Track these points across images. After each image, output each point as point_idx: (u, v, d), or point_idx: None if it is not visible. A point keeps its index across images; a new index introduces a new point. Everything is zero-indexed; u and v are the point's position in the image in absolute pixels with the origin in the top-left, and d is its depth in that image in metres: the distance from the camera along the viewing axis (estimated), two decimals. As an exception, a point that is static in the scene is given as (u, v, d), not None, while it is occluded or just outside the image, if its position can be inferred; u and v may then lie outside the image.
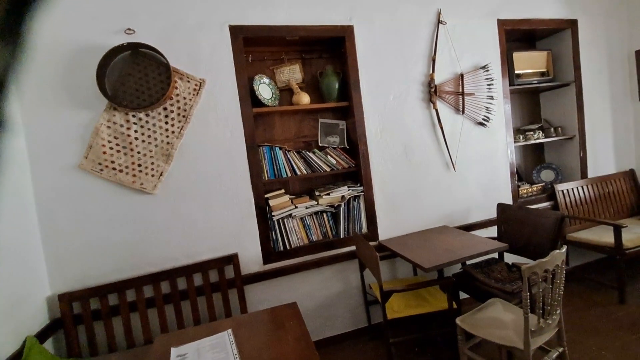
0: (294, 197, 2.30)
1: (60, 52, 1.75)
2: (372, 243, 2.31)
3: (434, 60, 2.48)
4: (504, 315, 1.73)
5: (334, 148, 2.42)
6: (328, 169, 2.33)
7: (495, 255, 2.36)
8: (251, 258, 2.07)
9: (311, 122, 2.48)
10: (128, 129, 1.85)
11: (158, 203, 1.91)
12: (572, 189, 2.88)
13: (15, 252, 1.51)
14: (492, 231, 2.58)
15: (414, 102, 2.45)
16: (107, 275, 1.80)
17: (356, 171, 2.40)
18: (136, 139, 1.86)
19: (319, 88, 2.41)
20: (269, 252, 2.12)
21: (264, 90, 2.25)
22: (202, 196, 1.99)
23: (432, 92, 2.48)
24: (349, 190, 2.34)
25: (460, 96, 2.57)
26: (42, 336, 1.55)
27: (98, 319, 1.74)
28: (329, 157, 2.35)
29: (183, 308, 1.89)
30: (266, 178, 2.18)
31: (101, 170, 1.81)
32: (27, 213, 1.65)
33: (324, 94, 2.39)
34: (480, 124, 2.63)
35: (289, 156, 2.26)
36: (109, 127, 1.82)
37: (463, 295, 2.43)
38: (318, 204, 2.27)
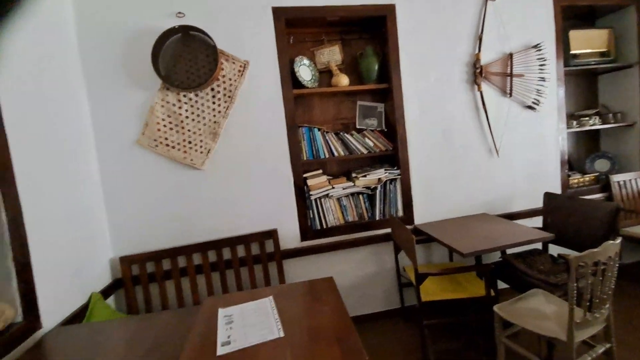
0: (331, 177, 2.30)
1: (120, 35, 1.85)
2: (407, 227, 2.27)
3: (480, 39, 2.32)
4: (546, 307, 1.64)
5: (372, 131, 2.38)
6: (365, 152, 2.29)
7: (539, 246, 2.23)
8: (289, 234, 2.13)
9: (349, 105, 2.44)
10: (179, 107, 1.94)
11: (205, 178, 2.00)
12: (630, 180, 2.61)
13: (84, 219, 1.66)
14: (536, 221, 2.42)
15: (456, 84, 2.33)
16: (161, 243, 1.94)
17: (393, 154, 2.35)
18: (187, 117, 1.95)
19: (358, 69, 2.36)
20: (306, 229, 2.16)
21: (304, 72, 2.24)
22: (245, 174, 2.05)
23: (477, 73, 2.34)
24: (385, 173, 2.30)
25: (508, 77, 2.40)
26: (105, 293, 1.71)
27: (153, 281, 1.89)
28: (366, 139, 2.32)
29: (227, 276, 1.99)
30: (305, 158, 2.20)
31: (156, 146, 1.92)
32: (94, 184, 1.80)
33: (363, 76, 2.34)
34: (529, 107, 2.45)
35: (327, 138, 2.25)
36: (162, 106, 1.92)
37: (501, 285, 2.33)
38: (354, 185, 2.26)
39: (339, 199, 2.27)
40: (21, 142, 1.28)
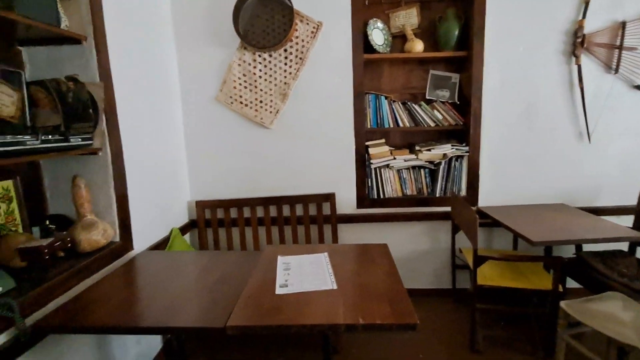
0: (393, 148, 2.22)
1: (205, -6, 1.93)
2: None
3: (587, 4, 1.95)
4: (623, 312, 1.45)
5: (443, 103, 2.21)
6: (432, 124, 2.16)
7: (625, 247, 1.94)
8: (346, 200, 2.14)
9: (420, 74, 2.28)
10: (254, 67, 2.00)
11: (273, 138, 2.08)
12: None
13: (170, 163, 1.85)
14: (626, 221, 2.10)
15: (549, 55, 2.02)
16: (230, 193, 2.10)
17: (463, 130, 2.18)
18: (260, 77, 2.01)
19: (435, 35, 2.16)
20: (363, 197, 2.15)
21: (377, 35, 2.12)
22: (309, 136, 2.08)
23: (577, 43, 2.00)
24: (452, 149, 2.15)
25: (616, 50, 2.01)
26: (182, 230, 1.93)
27: (222, 226, 2.08)
28: (435, 111, 2.17)
29: (285, 232, 2.10)
30: (368, 126, 2.15)
31: (231, 102, 2.03)
32: (178, 134, 1.98)
33: (439, 42, 2.14)
34: (638, 87, 2.05)
35: (393, 107, 2.16)
36: (239, 64, 2.00)
37: (570, 284, 2.11)
38: (417, 158, 2.16)
39: (399, 171, 2.20)
40: (123, 90, 1.44)
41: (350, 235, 2.16)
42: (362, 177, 2.14)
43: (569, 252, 2.03)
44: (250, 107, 2.04)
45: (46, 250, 1.03)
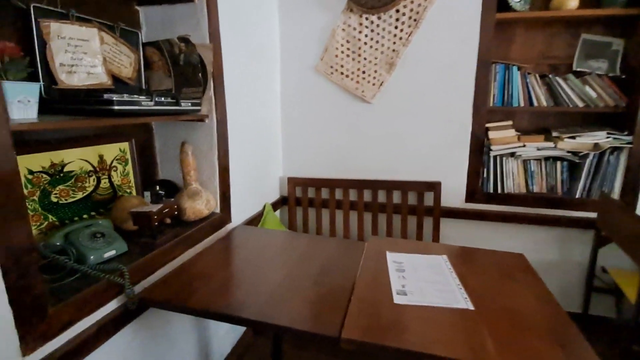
0: (519, 133, 1.79)
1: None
2: (626, 215, 1.62)
3: None
4: None
5: (599, 76, 1.68)
6: (581, 105, 1.66)
7: None
8: (453, 191, 1.82)
9: (567, 38, 1.76)
10: (360, 32, 1.75)
11: (373, 113, 1.84)
12: None
13: (266, 136, 1.77)
14: None
15: None
16: (322, 171, 1.95)
17: (625, 113, 1.63)
18: (365, 44, 1.76)
19: (602, -16, 1.62)
20: (475, 190, 1.80)
21: (517, -11, 1.67)
22: (414, 113, 1.79)
23: None
24: (608, 137, 1.63)
25: None
26: (273, 207, 1.85)
27: (312, 206, 1.96)
28: (587, 87, 1.65)
29: (379, 220, 1.88)
30: (491, 104, 1.75)
31: (331, 73, 1.83)
32: (275, 105, 1.88)
33: (606, -5, 1.60)
34: None
35: (527, 80, 1.71)
36: (343, 29, 1.77)
37: None
38: (555, 147, 1.70)
39: (525, 162, 1.77)
40: (229, 54, 1.34)
41: (455, 233, 1.84)
42: (476, 166, 1.78)
43: None
44: (352, 79, 1.82)
45: (156, 217, 1.00)
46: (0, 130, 0.59)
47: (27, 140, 0.90)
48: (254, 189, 1.66)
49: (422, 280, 0.96)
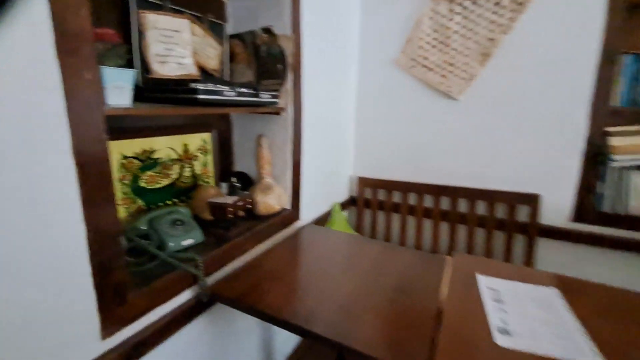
0: (654, 141, 1.41)
1: None
2: None
3: None
4: None
5: None
6: None
7: None
8: (555, 206, 1.51)
9: None
10: (450, 20, 1.55)
11: (458, 112, 1.62)
12: None
13: (338, 131, 1.68)
14: None
15: None
16: (394, 173, 1.79)
17: None
18: (455, 32, 1.55)
19: None
20: (586, 207, 1.47)
21: (668, -42, 1.30)
22: (511, 113, 1.52)
23: None
24: None
25: None
26: (341, 206, 1.76)
27: (381, 209, 1.82)
28: None
29: (459, 232, 1.67)
30: (616, 104, 1.41)
31: (413, 66, 1.67)
32: (350, 100, 1.78)
33: None
34: None
35: (673, 74, 1.33)
36: (430, 18, 1.59)
37: None
38: None
39: (662, 177, 1.38)
40: (308, 46, 1.28)
41: (555, 257, 1.53)
42: (589, 179, 1.45)
43: None
44: (436, 72, 1.63)
45: (231, 209, 0.98)
46: (95, 113, 0.59)
47: (122, 127, 0.94)
48: (323, 188, 1.59)
49: (529, 318, 0.77)
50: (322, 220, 1.56)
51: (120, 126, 0.94)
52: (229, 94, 0.94)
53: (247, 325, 1.15)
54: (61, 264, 0.56)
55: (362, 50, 1.77)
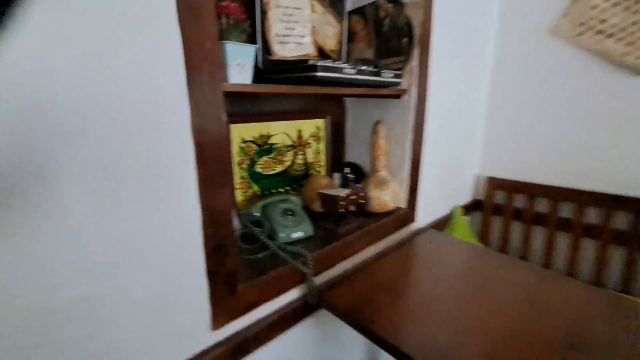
0: None
1: None
2: None
3: None
4: None
5: None
6: None
7: None
8: None
9: None
10: (653, -40, 1.09)
11: (650, 93, 1.14)
12: None
13: (465, 123, 1.39)
14: None
15: None
16: (535, 175, 1.40)
17: None
18: (663, -23, 1.08)
19: None
20: None
21: None
22: None
23: None
24: None
25: None
26: (464, 210, 1.46)
27: (518, 219, 1.45)
28: None
29: (613, 257, 1.19)
30: None
31: (579, 34, 1.24)
32: (482, 82, 1.46)
33: None
34: None
35: None
36: (617, -37, 1.15)
37: None
38: None
39: None
40: (438, 15, 1.05)
41: None
42: None
43: None
44: (619, 39, 1.17)
45: (343, 203, 0.86)
46: (215, 88, 0.53)
47: (241, 111, 0.93)
48: (443, 187, 1.33)
49: None
50: (440, 225, 1.32)
51: (240, 110, 0.93)
52: (348, 71, 0.81)
53: (353, 336, 1.02)
54: (175, 247, 0.53)
55: (504, 19, 1.42)
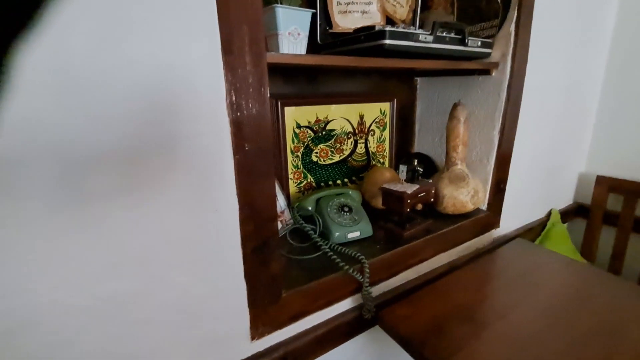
0: None
1: None
2: None
3: None
4: None
5: None
6: None
7: None
8: None
9: None
10: None
11: None
12: None
13: (570, 109, 1.08)
14: None
15: None
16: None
17: None
18: None
19: None
20: None
21: None
22: None
23: None
24: None
25: None
26: (562, 216, 1.16)
27: (637, 231, 1.10)
28: None
29: None
30: None
31: None
32: (597, 61, 1.12)
33: None
34: None
35: None
36: None
37: None
38: None
39: None
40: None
41: None
42: None
43: None
44: None
45: (409, 201, 0.70)
46: (257, 57, 0.42)
47: (297, 93, 0.83)
48: (537, 187, 1.06)
49: None
50: (530, 233, 1.05)
51: (295, 91, 0.83)
52: (425, 38, 0.64)
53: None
54: (210, 245, 0.45)
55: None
